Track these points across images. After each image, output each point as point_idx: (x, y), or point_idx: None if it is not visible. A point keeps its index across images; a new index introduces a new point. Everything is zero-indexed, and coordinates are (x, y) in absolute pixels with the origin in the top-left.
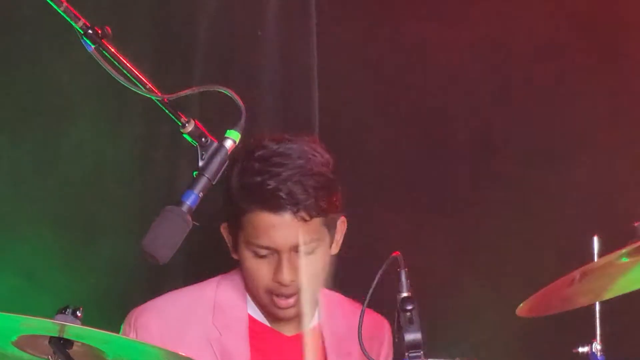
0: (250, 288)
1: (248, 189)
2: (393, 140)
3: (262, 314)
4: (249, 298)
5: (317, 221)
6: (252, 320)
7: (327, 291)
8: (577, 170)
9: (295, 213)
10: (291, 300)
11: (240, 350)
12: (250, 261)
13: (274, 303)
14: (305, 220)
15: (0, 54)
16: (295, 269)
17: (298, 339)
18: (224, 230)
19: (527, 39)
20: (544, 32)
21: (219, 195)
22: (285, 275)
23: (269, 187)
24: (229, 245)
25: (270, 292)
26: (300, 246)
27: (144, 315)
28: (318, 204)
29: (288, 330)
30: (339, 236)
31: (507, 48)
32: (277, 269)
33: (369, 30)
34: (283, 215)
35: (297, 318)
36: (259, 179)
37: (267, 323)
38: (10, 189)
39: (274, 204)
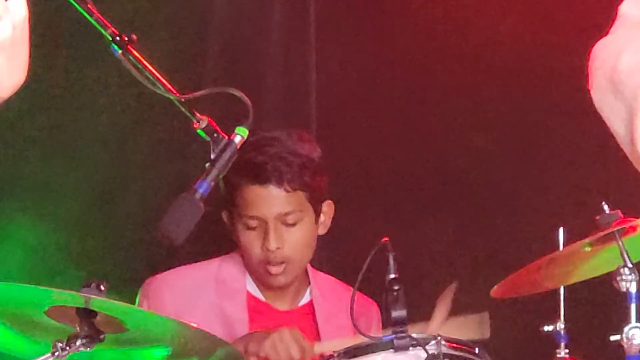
0: (247, 262)
1: (239, 164)
2: (383, 135)
3: (259, 289)
4: (247, 275)
5: (300, 194)
6: (249, 295)
7: (319, 273)
8: (545, 168)
9: (279, 185)
10: (280, 268)
11: (240, 319)
12: (244, 234)
13: (267, 271)
14: (288, 192)
15: (39, 58)
16: (281, 238)
17: (291, 314)
18: (224, 216)
19: (509, 41)
20: (513, 31)
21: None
22: (272, 242)
23: (257, 161)
24: (230, 229)
25: (262, 262)
26: (284, 215)
27: (157, 285)
28: (301, 179)
29: (282, 306)
30: (326, 218)
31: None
32: (265, 237)
33: (364, 37)
34: (268, 186)
35: (290, 294)
36: (248, 156)
37: (262, 299)
38: (44, 172)
39: (261, 177)
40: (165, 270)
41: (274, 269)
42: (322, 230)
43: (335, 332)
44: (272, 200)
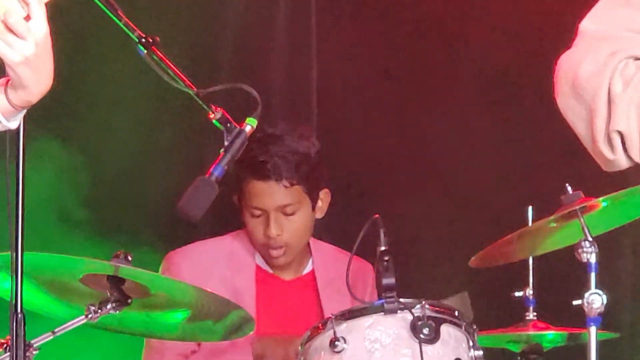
0: (252, 243)
1: (245, 162)
2: (375, 127)
3: (266, 263)
4: (255, 249)
5: (298, 188)
6: (258, 268)
7: (320, 243)
8: (517, 155)
9: (278, 181)
10: (280, 252)
11: (248, 290)
12: (249, 221)
13: (269, 254)
14: (286, 187)
15: (70, 61)
16: (280, 226)
17: (295, 282)
18: (235, 199)
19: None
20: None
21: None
22: (272, 230)
23: (259, 160)
24: (238, 206)
25: (265, 245)
26: (283, 207)
27: (177, 257)
28: (298, 175)
29: (287, 276)
30: (323, 204)
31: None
32: (266, 225)
33: (360, 42)
34: (269, 182)
35: (294, 265)
36: (253, 153)
37: (270, 270)
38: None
39: (262, 174)
40: (184, 244)
41: (274, 252)
42: (319, 215)
43: (334, 296)
44: (272, 194)
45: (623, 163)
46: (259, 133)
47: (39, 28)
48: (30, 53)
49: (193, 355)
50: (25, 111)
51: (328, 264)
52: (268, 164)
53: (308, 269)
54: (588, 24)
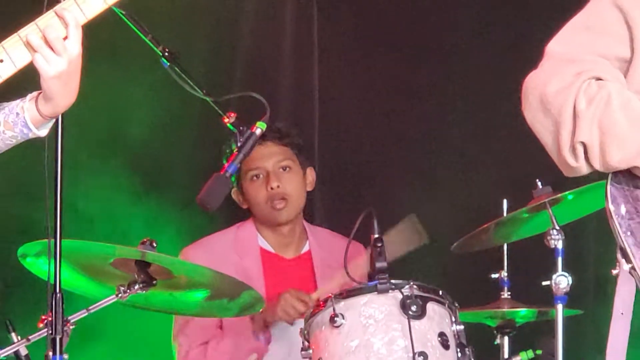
0: (256, 210)
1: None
2: (370, 126)
3: (269, 244)
4: (258, 234)
5: (289, 150)
6: (262, 249)
7: (315, 227)
8: (496, 155)
9: (273, 140)
10: (282, 203)
11: (255, 269)
12: (251, 186)
13: (273, 207)
14: (280, 146)
15: (103, 74)
16: (279, 179)
17: (295, 260)
18: (233, 194)
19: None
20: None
21: None
22: (273, 182)
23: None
24: (239, 202)
25: (268, 201)
26: (279, 162)
27: (192, 251)
28: (289, 139)
29: (287, 254)
30: (310, 178)
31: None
32: (267, 181)
33: (358, 57)
34: (266, 143)
35: (294, 245)
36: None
37: (272, 250)
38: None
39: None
40: (200, 231)
41: (278, 204)
42: (309, 187)
43: (328, 272)
44: (270, 153)
45: (584, 170)
46: None
47: (74, 48)
48: (63, 69)
49: (217, 331)
50: (53, 120)
51: (322, 245)
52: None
53: (305, 249)
54: (554, 46)
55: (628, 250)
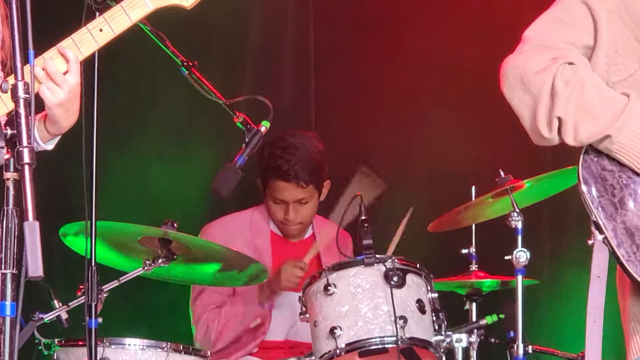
0: (272, 218)
1: (272, 167)
2: (363, 127)
3: (278, 229)
4: (270, 220)
5: (311, 187)
6: (272, 232)
7: (320, 218)
8: (465, 147)
9: (297, 183)
10: (295, 230)
11: (265, 249)
12: (272, 206)
13: (286, 230)
14: (303, 187)
15: (127, 80)
16: (296, 213)
17: (300, 244)
18: (259, 182)
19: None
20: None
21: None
22: (291, 216)
23: (283, 168)
24: (262, 192)
25: (283, 224)
26: (299, 200)
27: (211, 228)
28: (311, 178)
29: (294, 239)
30: (325, 190)
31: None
32: (285, 212)
33: (353, 62)
34: (290, 183)
35: (299, 233)
36: (278, 162)
37: (281, 234)
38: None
39: (285, 177)
40: (215, 213)
41: (291, 231)
42: (322, 198)
43: (327, 253)
44: (292, 192)
45: (555, 141)
46: (280, 142)
47: (73, 80)
48: (64, 99)
49: (230, 299)
50: (59, 137)
51: (320, 230)
52: (290, 171)
53: (308, 233)
54: (531, 33)
55: (600, 223)
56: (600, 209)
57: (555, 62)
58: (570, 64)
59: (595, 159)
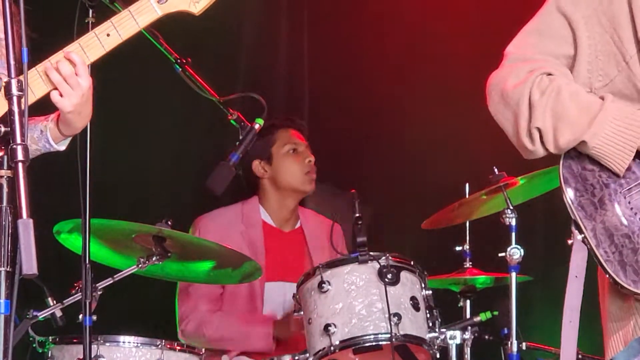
0: (286, 179)
1: (276, 124)
2: (353, 120)
3: (271, 218)
4: (261, 209)
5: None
6: (264, 223)
7: (303, 208)
8: (459, 146)
9: (300, 130)
10: (314, 175)
11: (258, 239)
12: (286, 159)
13: (309, 178)
14: (303, 134)
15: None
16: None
17: (291, 233)
18: (256, 164)
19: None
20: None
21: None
22: (310, 156)
23: (287, 119)
24: (259, 173)
25: (304, 173)
26: (306, 146)
27: (204, 220)
28: (306, 133)
29: (285, 228)
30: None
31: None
32: (303, 158)
33: (344, 61)
34: (301, 129)
35: (291, 221)
36: (279, 117)
37: (273, 224)
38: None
39: (297, 125)
40: (209, 211)
41: (313, 175)
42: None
43: (317, 244)
44: (300, 136)
45: (540, 152)
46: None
47: (85, 83)
48: (78, 102)
49: (220, 297)
50: (70, 137)
51: (310, 222)
52: (292, 118)
53: (298, 224)
54: (511, 49)
55: (580, 222)
56: (580, 209)
57: (532, 74)
58: (548, 74)
59: (577, 159)
